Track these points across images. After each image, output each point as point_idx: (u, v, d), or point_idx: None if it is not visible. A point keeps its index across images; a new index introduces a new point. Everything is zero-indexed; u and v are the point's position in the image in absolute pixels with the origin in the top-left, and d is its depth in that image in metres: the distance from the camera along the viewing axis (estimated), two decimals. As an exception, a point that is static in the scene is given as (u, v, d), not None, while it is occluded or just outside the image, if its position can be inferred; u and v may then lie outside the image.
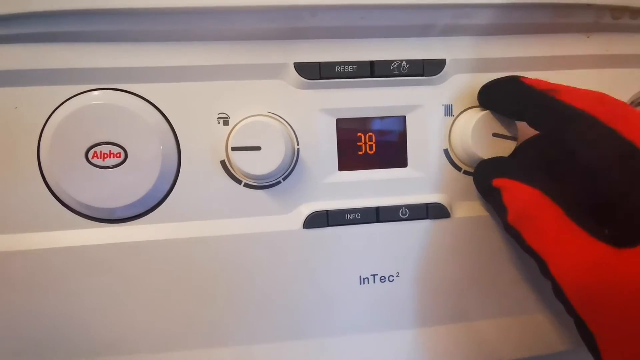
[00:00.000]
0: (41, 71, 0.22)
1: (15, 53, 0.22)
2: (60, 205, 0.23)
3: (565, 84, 0.23)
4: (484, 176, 0.24)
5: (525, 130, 0.25)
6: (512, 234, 0.22)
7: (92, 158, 0.23)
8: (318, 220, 0.25)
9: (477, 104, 0.25)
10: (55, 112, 0.23)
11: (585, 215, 0.20)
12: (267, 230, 0.25)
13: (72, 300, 0.24)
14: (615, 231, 0.20)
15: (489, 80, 0.25)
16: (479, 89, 0.25)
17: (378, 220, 0.25)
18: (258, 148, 0.23)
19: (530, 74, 0.25)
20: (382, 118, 0.25)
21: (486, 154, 0.25)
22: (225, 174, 0.24)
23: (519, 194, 0.22)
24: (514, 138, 0.25)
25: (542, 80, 0.23)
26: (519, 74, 0.25)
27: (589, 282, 0.18)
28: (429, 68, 0.25)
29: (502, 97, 0.24)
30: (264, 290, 0.25)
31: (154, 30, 0.23)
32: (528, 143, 0.26)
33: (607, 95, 0.21)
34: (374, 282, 0.26)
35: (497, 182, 0.23)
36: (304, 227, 0.25)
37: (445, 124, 0.26)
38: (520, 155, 0.25)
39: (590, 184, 0.22)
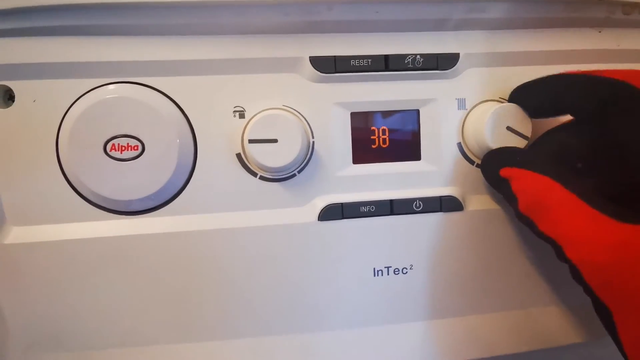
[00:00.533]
0: (60, 64, 0.23)
1: (34, 46, 0.22)
2: (78, 197, 0.24)
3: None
4: (492, 166, 0.24)
5: (536, 131, 0.25)
6: (525, 222, 0.22)
7: (110, 150, 0.23)
8: (333, 212, 0.25)
9: (491, 97, 0.26)
10: (74, 105, 0.23)
11: (600, 199, 0.20)
12: (283, 222, 0.25)
13: (89, 291, 0.24)
14: (632, 210, 0.20)
15: (502, 73, 0.25)
16: (492, 82, 0.25)
17: (392, 213, 0.26)
18: (275, 141, 0.23)
19: (543, 68, 0.25)
20: (396, 112, 0.26)
21: (499, 148, 0.25)
22: (241, 167, 0.25)
23: (528, 182, 0.22)
24: (526, 137, 0.25)
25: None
26: (531, 68, 0.25)
27: (609, 263, 0.18)
28: (443, 62, 0.25)
29: (542, 91, 0.24)
30: (279, 282, 0.26)
31: (172, 24, 0.23)
32: (539, 139, 0.26)
33: None
34: (388, 275, 0.26)
35: (505, 171, 0.23)
36: (318, 220, 0.25)
37: (458, 118, 0.26)
38: (529, 148, 0.25)
39: (615, 169, 0.23)
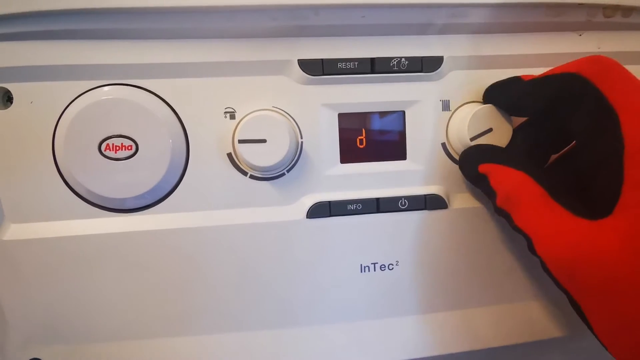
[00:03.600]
0: (56, 67, 0.23)
1: (32, 50, 0.23)
2: (73, 195, 0.24)
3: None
4: (470, 163, 0.25)
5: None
6: (503, 215, 0.23)
7: (105, 150, 0.24)
8: (321, 210, 0.26)
9: (474, 99, 0.27)
10: (70, 106, 0.24)
11: (567, 195, 0.21)
12: (272, 220, 0.26)
13: (83, 287, 0.25)
14: (595, 206, 0.21)
15: (485, 76, 0.26)
16: (475, 84, 0.26)
17: (378, 211, 0.26)
18: (263, 141, 0.24)
19: (524, 71, 0.26)
20: (382, 113, 0.26)
21: (482, 148, 0.25)
22: (232, 166, 0.25)
23: (505, 177, 0.23)
24: (507, 136, 0.26)
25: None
26: (513, 71, 0.26)
27: (570, 257, 0.19)
28: (428, 65, 0.26)
29: (502, 93, 0.25)
30: (268, 278, 0.26)
31: (164, 29, 0.24)
32: (515, 132, 0.27)
33: (602, 57, 0.21)
34: (375, 271, 0.27)
35: (483, 167, 0.24)
36: (307, 217, 0.26)
37: (442, 119, 0.27)
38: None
39: (571, 161, 0.24)
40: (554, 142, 0.26)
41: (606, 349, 0.20)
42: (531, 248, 0.21)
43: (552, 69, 0.23)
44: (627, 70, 0.21)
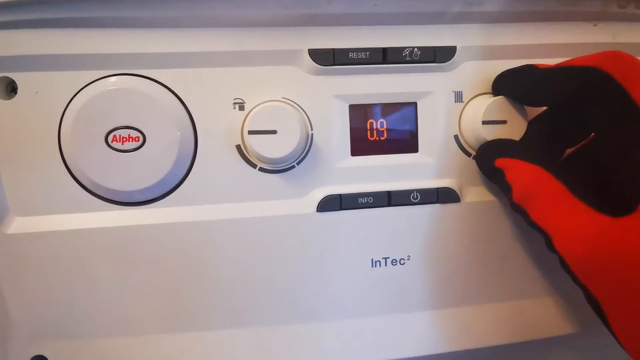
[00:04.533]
0: (62, 56, 0.23)
1: (37, 38, 0.23)
2: (80, 188, 0.24)
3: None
4: (487, 157, 0.25)
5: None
6: (518, 211, 0.23)
7: (112, 142, 0.23)
8: (331, 203, 0.25)
9: (488, 90, 0.26)
10: (76, 96, 0.23)
11: (586, 190, 0.21)
12: (281, 213, 0.25)
13: (90, 280, 0.25)
14: (614, 201, 0.21)
15: (499, 67, 0.25)
16: (488, 75, 0.26)
17: (390, 205, 0.26)
18: (274, 132, 0.23)
19: (539, 61, 0.26)
20: (394, 104, 0.26)
21: (496, 140, 0.25)
22: (241, 158, 0.25)
23: (522, 172, 0.22)
24: (521, 128, 0.25)
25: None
26: (527, 61, 0.26)
27: (591, 254, 0.19)
28: (440, 55, 0.25)
29: (515, 82, 0.25)
30: (277, 272, 0.26)
31: (173, 17, 0.23)
32: (528, 129, 0.26)
33: (622, 53, 0.21)
34: (386, 265, 0.27)
35: (500, 162, 0.23)
36: (317, 211, 0.25)
37: (455, 110, 0.26)
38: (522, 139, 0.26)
39: (589, 156, 0.24)
40: (570, 136, 0.25)
41: (622, 347, 0.20)
42: (549, 244, 0.21)
43: (567, 61, 0.23)
44: None
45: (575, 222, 0.20)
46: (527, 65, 0.24)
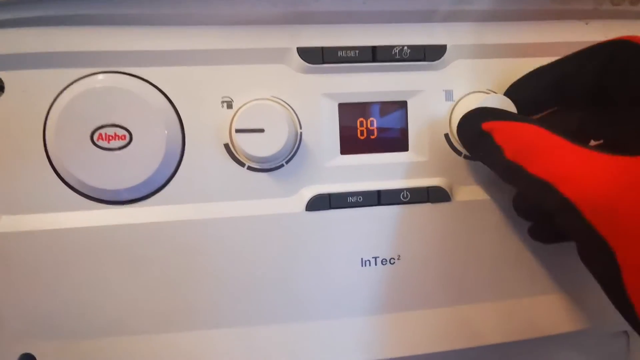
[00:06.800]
0: (48, 54, 0.23)
1: (23, 37, 0.22)
2: (65, 186, 0.24)
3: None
4: (472, 122, 0.23)
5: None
6: (512, 169, 0.20)
7: (98, 140, 0.23)
8: (320, 203, 0.25)
9: (478, 89, 0.26)
10: (62, 94, 0.23)
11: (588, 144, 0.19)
12: (270, 212, 0.25)
13: (77, 280, 0.25)
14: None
15: (489, 65, 0.25)
16: (479, 74, 0.25)
17: (379, 204, 0.26)
18: (261, 130, 0.23)
19: (530, 60, 0.26)
20: (383, 103, 0.26)
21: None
22: (229, 157, 0.25)
23: (515, 131, 0.21)
24: None
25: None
26: (518, 60, 0.25)
27: (609, 196, 0.17)
28: (430, 53, 0.25)
29: (541, 81, 0.25)
30: (266, 272, 0.26)
31: (160, 14, 0.23)
32: None
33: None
34: (376, 265, 0.26)
35: (488, 125, 0.22)
36: (306, 210, 0.25)
37: (446, 109, 0.26)
38: None
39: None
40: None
41: (632, 310, 0.17)
42: (553, 198, 0.18)
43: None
44: None
45: (588, 164, 0.18)
46: (536, 69, 0.24)
